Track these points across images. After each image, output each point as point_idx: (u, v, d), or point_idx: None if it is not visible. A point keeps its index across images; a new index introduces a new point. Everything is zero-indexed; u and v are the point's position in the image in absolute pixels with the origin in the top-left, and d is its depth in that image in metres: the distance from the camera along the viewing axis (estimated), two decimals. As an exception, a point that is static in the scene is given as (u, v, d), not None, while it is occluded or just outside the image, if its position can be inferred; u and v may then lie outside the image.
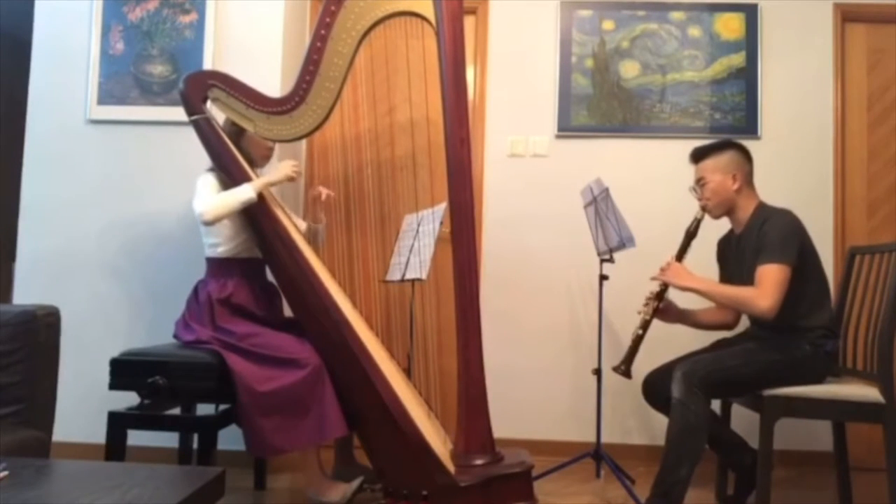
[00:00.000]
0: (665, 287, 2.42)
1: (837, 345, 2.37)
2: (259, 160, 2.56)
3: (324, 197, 2.64)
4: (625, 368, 2.42)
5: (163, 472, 1.28)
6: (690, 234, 2.43)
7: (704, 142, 2.54)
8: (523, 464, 2.26)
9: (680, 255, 2.42)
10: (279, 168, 2.45)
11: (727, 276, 2.49)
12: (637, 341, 2.43)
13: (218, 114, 2.45)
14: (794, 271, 2.19)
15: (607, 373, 2.80)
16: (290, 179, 2.45)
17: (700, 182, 2.43)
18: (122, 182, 3.01)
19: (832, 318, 2.34)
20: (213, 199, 2.31)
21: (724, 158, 2.39)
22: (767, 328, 2.33)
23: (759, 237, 2.26)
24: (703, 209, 2.43)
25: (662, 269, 2.39)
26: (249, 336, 2.26)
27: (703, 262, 2.51)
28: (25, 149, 3.06)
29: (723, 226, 2.53)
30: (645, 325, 2.43)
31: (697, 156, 2.45)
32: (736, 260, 2.42)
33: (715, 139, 2.56)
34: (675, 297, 2.52)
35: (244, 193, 2.30)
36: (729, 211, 2.42)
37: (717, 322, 2.56)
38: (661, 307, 2.46)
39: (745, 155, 2.41)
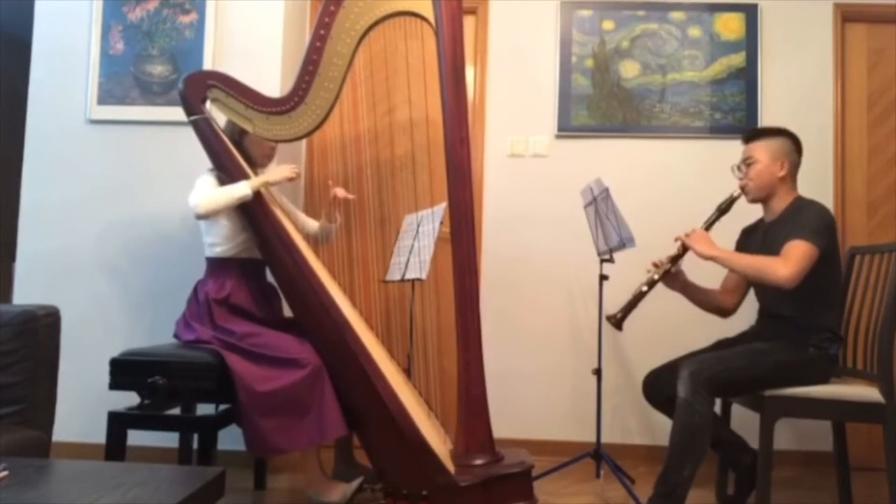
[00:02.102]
0: (682, 252, 2.41)
1: (840, 348, 2.36)
2: (261, 160, 2.56)
3: (341, 195, 2.66)
4: (620, 317, 2.40)
5: (163, 472, 1.28)
6: (722, 210, 2.42)
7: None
8: (523, 464, 2.26)
9: (707, 227, 2.40)
10: (278, 169, 2.46)
11: None
12: (638, 297, 2.41)
13: (218, 114, 2.45)
14: (818, 262, 2.18)
15: (607, 373, 2.81)
16: (289, 180, 2.46)
17: (747, 161, 2.41)
18: (123, 182, 3.01)
19: (839, 322, 2.33)
20: (208, 194, 2.31)
21: (777, 143, 2.38)
22: (774, 324, 2.32)
23: (793, 220, 2.25)
24: (742, 189, 2.41)
25: (687, 234, 2.38)
26: (249, 336, 2.26)
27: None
28: (25, 149, 3.05)
29: (743, 219, 2.52)
30: (651, 283, 2.42)
31: (751, 136, 2.44)
32: (762, 246, 2.38)
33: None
34: (692, 270, 2.51)
35: (240, 190, 2.30)
36: (766, 198, 2.40)
37: (716, 305, 2.54)
38: (672, 270, 2.45)
39: (797, 147, 2.40)
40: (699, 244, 2.32)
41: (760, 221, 2.49)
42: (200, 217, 2.31)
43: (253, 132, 2.40)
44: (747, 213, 2.52)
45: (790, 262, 2.16)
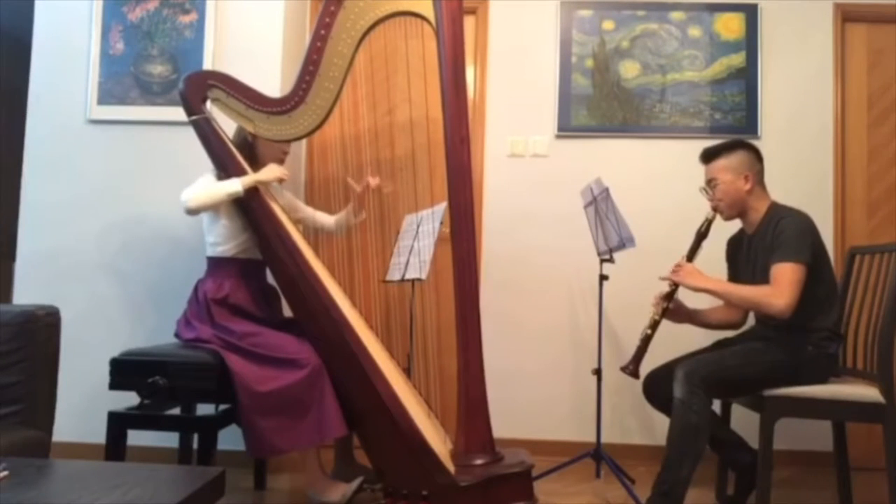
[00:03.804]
0: (675, 287, 2.41)
1: (840, 347, 2.36)
2: (275, 164, 2.56)
3: (373, 185, 2.66)
4: (633, 368, 2.41)
5: (163, 472, 1.29)
6: (701, 235, 2.41)
7: (705, 142, 2.54)
8: (523, 464, 2.26)
9: (690, 256, 2.40)
10: (271, 168, 2.45)
11: (736, 276, 2.48)
12: (646, 341, 2.42)
13: (218, 114, 2.45)
14: (808, 270, 2.18)
15: (607, 373, 2.81)
16: (279, 181, 2.46)
17: (711, 183, 2.41)
18: (122, 182, 3.01)
19: (838, 320, 2.33)
20: (198, 189, 2.32)
21: (736, 159, 2.37)
22: (772, 327, 2.33)
23: (773, 236, 2.24)
24: (715, 210, 2.41)
25: (674, 271, 2.38)
26: (249, 335, 2.26)
27: (711, 261, 2.48)
28: (25, 149, 3.06)
29: (730, 227, 2.52)
30: (654, 325, 2.42)
31: (708, 156, 2.43)
32: (747, 261, 2.40)
33: (715, 139, 2.55)
34: (685, 297, 2.52)
35: (230, 186, 2.31)
36: (741, 212, 2.40)
37: (724, 321, 2.55)
38: (670, 307, 2.45)
39: (756, 155, 2.40)
40: (689, 278, 2.33)
41: (743, 231, 2.49)
42: (190, 211, 2.32)
43: (254, 132, 2.41)
44: (729, 224, 2.51)
45: (782, 291, 2.16)
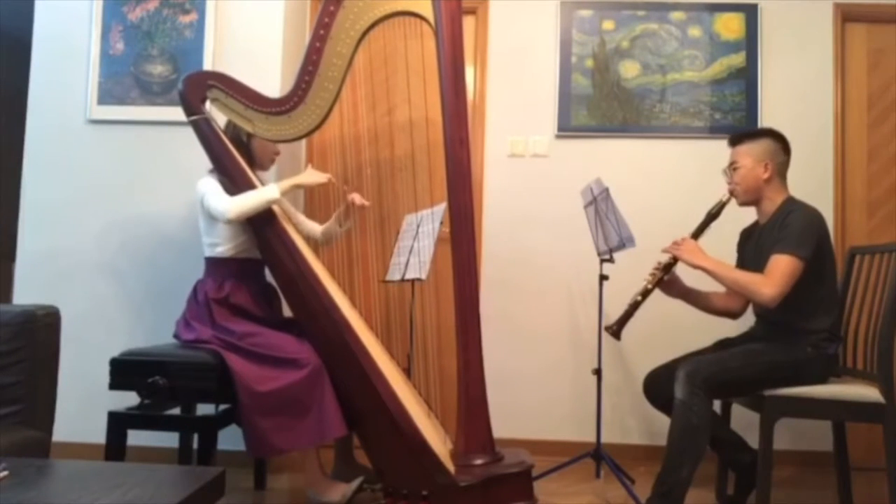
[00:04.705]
0: (674, 261, 2.42)
1: (839, 348, 2.36)
2: (266, 163, 2.58)
3: (358, 202, 2.63)
4: (616, 329, 2.43)
5: (163, 472, 1.29)
6: (712, 216, 2.43)
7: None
8: (523, 464, 2.26)
9: (696, 234, 2.42)
10: (312, 173, 2.50)
11: (742, 266, 2.48)
12: (634, 307, 2.44)
13: (218, 114, 2.45)
14: (807, 267, 2.18)
15: (607, 373, 2.81)
16: (320, 185, 2.51)
17: (732, 166, 2.43)
18: (122, 182, 3.01)
19: (837, 321, 2.33)
20: (236, 198, 2.32)
21: (760, 146, 2.38)
22: (772, 326, 2.33)
23: (780, 228, 2.26)
24: (731, 193, 2.43)
25: (676, 243, 2.39)
26: (249, 335, 2.26)
27: (722, 253, 2.47)
28: (25, 149, 3.06)
29: (741, 220, 2.53)
30: (645, 293, 2.44)
31: (735, 139, 2.46)
32: (755, 250, 2.40)
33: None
34: (684, 277, 2.52)
35: (269, 193, 2.33)
36: (756, 200, 2.41)
37: (722, 308, 2.55)
38: (665, 279, 2.46)
39: (783, 146, 2.40)
40: (687, 254, 2.33)
41: (756, 223, 2.49)
42: (230, 222, 2.33)
43: (253, 132, 2.41)
44: (744, 215, 2.52)
45: (773, 280, 2.17)
